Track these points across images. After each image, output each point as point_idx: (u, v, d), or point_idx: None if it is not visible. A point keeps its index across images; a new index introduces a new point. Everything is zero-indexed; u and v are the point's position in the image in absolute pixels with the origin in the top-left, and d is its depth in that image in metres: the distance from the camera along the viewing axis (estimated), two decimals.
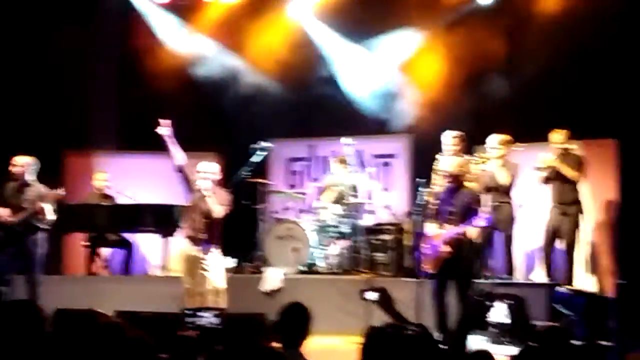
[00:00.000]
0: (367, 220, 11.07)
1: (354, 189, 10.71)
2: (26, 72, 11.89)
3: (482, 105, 11.13)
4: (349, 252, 10.38)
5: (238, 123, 11.81)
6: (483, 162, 9.72)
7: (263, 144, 10.40)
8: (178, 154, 8.66)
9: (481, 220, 7.86)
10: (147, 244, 11.66)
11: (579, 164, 9.82)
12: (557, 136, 9.89)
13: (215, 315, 6.10)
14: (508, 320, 8.40)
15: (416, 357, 3.63)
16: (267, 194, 11.28)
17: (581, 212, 9.87)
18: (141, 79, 12.34)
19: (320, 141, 12.53)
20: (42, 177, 9.56)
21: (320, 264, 10.49)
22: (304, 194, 12.10)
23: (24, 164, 9.35)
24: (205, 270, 8.59)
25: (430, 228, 8.26)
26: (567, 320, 8.48)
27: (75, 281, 10.64)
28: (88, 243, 11.18)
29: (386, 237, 10.50)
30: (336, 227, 10.56)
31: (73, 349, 4.06)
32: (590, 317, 8.52)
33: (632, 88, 10.35)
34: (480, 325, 8.31)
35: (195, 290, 8.53)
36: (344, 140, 10.68)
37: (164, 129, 8.60)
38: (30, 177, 9.37)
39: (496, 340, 8.27)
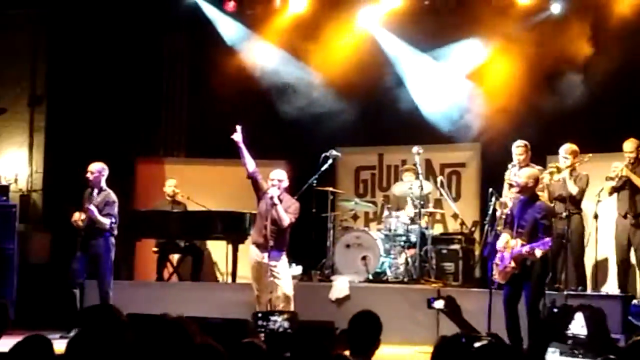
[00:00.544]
0: (436, 230, 11.00)
1: (423, 197, 10.65)
2: (101, 82, 12.11)
3: (554, 114, 10.98)
4: (418, 261, 10.32)
5: (307, 132, 11.84)
6: (558, 172, 9.56)
7: (332, 152, 10.40)
8: (250, 161, 8.75)
9: (546, 246, 7.70)
10: (217, 251, 11.75)
11: None
12: (629, 145, 9.69)
13: (286, 319, 6.10)
14: (584, 333, 8.18)
15: None
16: (336, 202, 11.27)
17: None
18: (211, 88, 12.47)
19: (389, 150, 12.49)
20: (115, 183, 9.71)
21: (389, 273, 10.45)
22: (373, 202, 12.09)
23: (96, 170, 9.50)
24: (274, 277, 8.64)
25: (501, 239, 8.14)
26: None
27: (146, 287, 10.77)
28: (158, 249, 11.32)
29: (455, 246, 10.43)
30: (405, 236, 10.52)
31: (145, 353, 4.09)
32: None
33: None
34: (559, 337, 8.13)
35: (264, 297, 8.59)
36: (414, 149, 10.62)
37: (238, 135, 8.70)
38: (103, 183, 9.52)
39: (569, 353, 8.09)
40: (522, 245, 7.86)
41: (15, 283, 10.65)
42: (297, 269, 10.40)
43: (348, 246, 10.46)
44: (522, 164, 9.36)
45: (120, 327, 4.06)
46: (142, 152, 12.60)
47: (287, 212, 8.70)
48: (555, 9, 11.62)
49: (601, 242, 10.08)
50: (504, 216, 8.74)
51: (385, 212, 10.97)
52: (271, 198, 8.62)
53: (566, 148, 9.65)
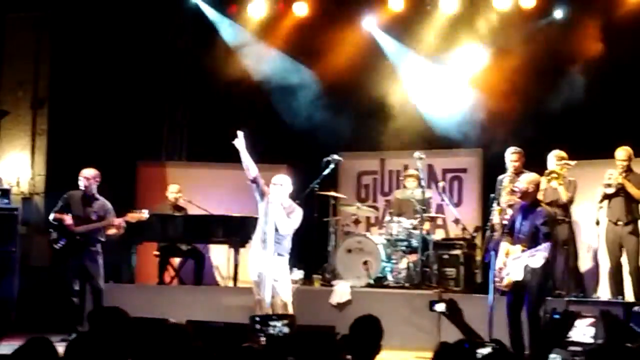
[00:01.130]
0: (437, 235, 11.00)
1: (425, 203, 10.65)
2: (103, 86, 12.13)
3: (555, 120, 10.98)
4: (419, 267, 10.31)
5: (309, 136, 11.85)
6: (556, 178, 9.56)
7: (334, 156, 10.40)
8: (252, 166, 8.74)
9: (546, 251, 7.68)
10: (218, 255, 11.75)
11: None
12: (622, 153, 9.70)
13: (285, 324, 6.09)
14: (591, 340, 8.14)
15: None
16: (337, 207, 11.27)
17: None
18: (213, 92, 12.48)
19: (391, 155, 12.49)
20: (116, 187, 9.72)
21: (390, 278, 10.45)
22: (374, 207, 12.09)
23: (91, 177, 9.50)
24: (274, 281, 8.63)
25: (501, 248, 8.14)
26: None
27: (147, 290, 10.77)
28: (159, 253, 11.32)
29: (457, 252, 10.43)
30: (406, 241, 10.51)
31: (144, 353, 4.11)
32: None
33: None
34: (561, 344, 8.10)
35: (265, 301, 8.58)
36: (415, 154, 10.62)
37: (240, 139, 8.69)
38: (95, 190, 9.54)
39: None
40: (523, 251, 7.86)
41: (17, 286, 10.66)
42: (299, 274, 10.40)
43: (349, 251, 10.46)
44: (516, 170, 9.44)
45: (129, 328, 4.10)
46: (144, 156, 12.61)
47: (289, 217, 8.69)
48: (558, 14, 11.64)
49: (592, 248, 10.13)
50: (504, 222, 8.75)
51: (387, 217, 10.97)
52: (271, 202, 8.61)
53: (556, 154, 9.69)
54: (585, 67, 10.97)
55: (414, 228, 10.50)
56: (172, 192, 11.45)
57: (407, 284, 10.26)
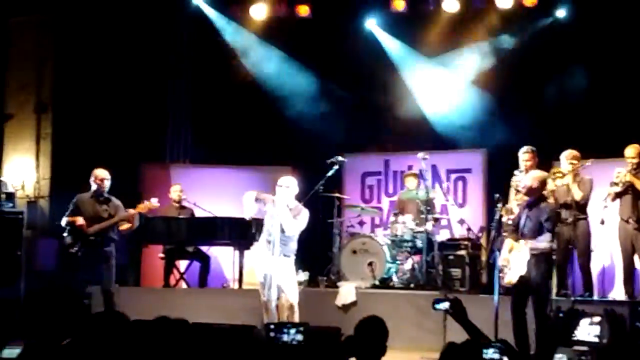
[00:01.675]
0: (442, 235, 10.99)
1: (429, 203, 10.64)
2: (106, 89, 12.14)
3: (560, 120, 10.97)
4: (424, 267, 10.30)
5: (313, 137, 11.84)
6: (561, 177, 9.54)
7: (338, 158, 10.39)
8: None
9: (548, 238, 7.71)
10: (224, 257, 11.75)
11: None
12: (631, 150, 9.66)
13: (299, 332, 6.06)
14: (596, 339, 8.11)
15: None
16: (342, 208, 11.27)
17: None
18: (216, 93, 12.49)
19: (395, 156, 12.48)
20: (121, 189, 9.72)
21: (395, 279, 10.44)
22: (379, 208, 12.08)
23: (104, 177, 9.50)
24: (281, 284, 8.63)
25: (505, 245, 8.14)
26: None
27: (152, 293, 10.77)
28: (165, 255, 11.32)
29: (461, 252, 10.40)
30: (411, 241, 10.50)
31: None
32: None
33: None
34: (566, 343, 8.08)
35: (271, 303, 8.57)
36: (419, 155, 10.61)
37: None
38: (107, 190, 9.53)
39: None
40: (526, 244, 7.88)
41: (22, 289, 10.66)
42: (304, 275, 10.39)
43: (354, 252, 10.46)
44: (528, 169, 9.36)
45: (127, 332, 4.09)
46: (148, 158, 12.61)
47: (295, 218, 8.67)
48: (560, 14, 11.63)
49: (608, 247, 10.07)
50: (509, 221, 8.73)
51: (392, 218, 10.96)
52: (277, 204, 8.61)
53: (567, 154, 9.63)
54: (592, 67, 10.96)
55: (419, 229, 10.47)
56: (175, 191, 11.48)
57: (412, 285, 10.25)
